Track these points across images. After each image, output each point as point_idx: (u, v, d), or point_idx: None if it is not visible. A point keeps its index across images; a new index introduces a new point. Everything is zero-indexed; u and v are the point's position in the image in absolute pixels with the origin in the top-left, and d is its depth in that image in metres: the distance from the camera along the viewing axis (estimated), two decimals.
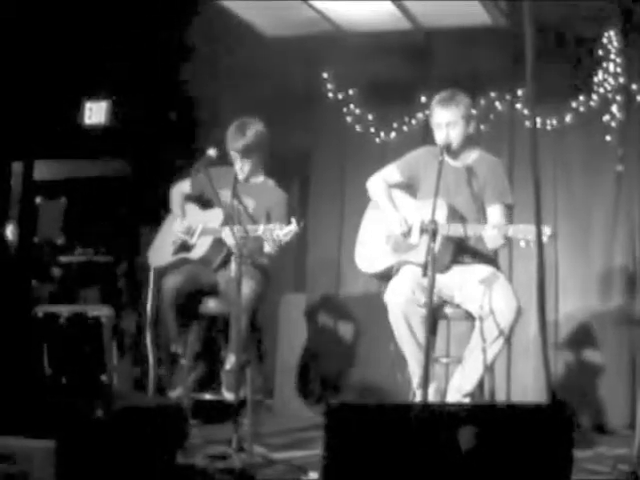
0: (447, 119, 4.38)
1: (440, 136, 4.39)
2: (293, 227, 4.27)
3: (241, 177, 4.79)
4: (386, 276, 4.46)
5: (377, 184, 4.65)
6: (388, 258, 4.49)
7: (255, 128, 4.77)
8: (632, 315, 5.38)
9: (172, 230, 4.86)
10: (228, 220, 4.43)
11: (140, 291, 5.47)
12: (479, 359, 4.22)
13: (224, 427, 4.54)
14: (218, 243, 4.68)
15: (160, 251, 4.93)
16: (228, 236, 4.40)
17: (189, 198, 4.99)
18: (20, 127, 5.72)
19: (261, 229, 4.30)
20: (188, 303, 4.71)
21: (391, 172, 4.64)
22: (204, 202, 4.94)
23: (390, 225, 4.47)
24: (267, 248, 4.59)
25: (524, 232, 3.99)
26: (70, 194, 5.85)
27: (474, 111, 4.56)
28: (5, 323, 5.16)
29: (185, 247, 4.80)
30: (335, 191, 6.13)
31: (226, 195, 4.55)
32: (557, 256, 5.53)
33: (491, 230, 4.12)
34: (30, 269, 5.71)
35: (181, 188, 5.01)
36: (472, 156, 4.49)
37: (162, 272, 4.86)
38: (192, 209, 4.95)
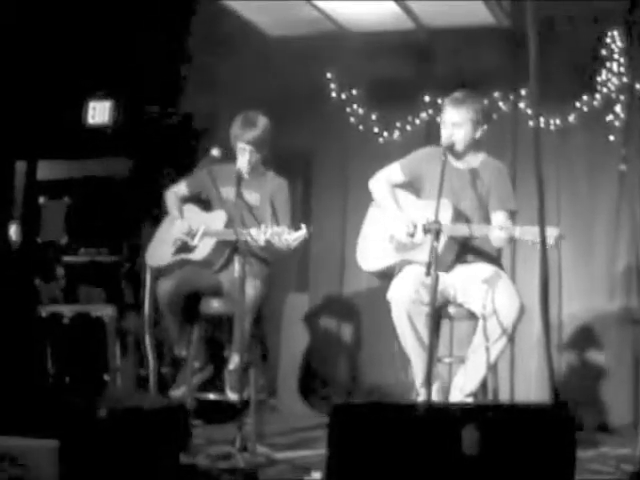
0: (454, 119, 4.37)
1: (445, 134, 4.39)
2: (302, 232, 4.24)
3: (246, 170, 4.76)
4: (388, 274, 4.45)
5: (380, 184, 4.63)
6: (391, 257, 4.48)
7: (263, 120, 4.78)
8: (635, 315, 5.37)
9: (171, 230, 4.83)
10: (231, 222, 4.41)
11: (143, 291, 5.47)
12: (482, 358, 4.22)
13: (227, 427, 4.54)
14: (220, 245, 4.67)
15: (159, 251, 4.91)
16: (241, 235, 4.30)
17: (188, 199, 4.96)
18: (23, 127, 5.72)
19: (269, 233, 4.26)
20: (186, 306, 4.69)
21: (394, 172, 4.63)
22: (203, 202, 4.93)
23: (394, 225, 4.46)
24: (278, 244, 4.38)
25: (531, 234, 3.98)
26: (73, 194, 5.84)
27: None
28: (9, 323, 5.17)
29: (185, 248, 4.78)
30: (338, 190, 6.12)
31: (230, 192, 4.53)
32: (560, 256, 5.52)
33: (498, 231, 4.12)
34: (33, 269, 5.70)
35: (176, 190, 4.98)
36: (477, 159, 4.48)
37: (160, 272, 4.85)
38: (193, 210, 4.92)
